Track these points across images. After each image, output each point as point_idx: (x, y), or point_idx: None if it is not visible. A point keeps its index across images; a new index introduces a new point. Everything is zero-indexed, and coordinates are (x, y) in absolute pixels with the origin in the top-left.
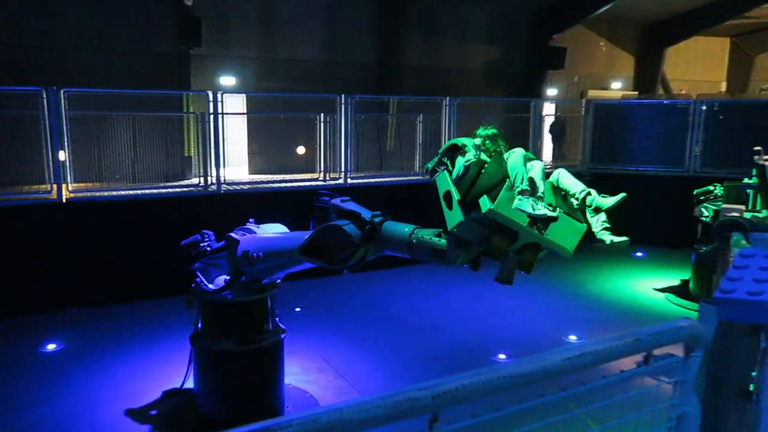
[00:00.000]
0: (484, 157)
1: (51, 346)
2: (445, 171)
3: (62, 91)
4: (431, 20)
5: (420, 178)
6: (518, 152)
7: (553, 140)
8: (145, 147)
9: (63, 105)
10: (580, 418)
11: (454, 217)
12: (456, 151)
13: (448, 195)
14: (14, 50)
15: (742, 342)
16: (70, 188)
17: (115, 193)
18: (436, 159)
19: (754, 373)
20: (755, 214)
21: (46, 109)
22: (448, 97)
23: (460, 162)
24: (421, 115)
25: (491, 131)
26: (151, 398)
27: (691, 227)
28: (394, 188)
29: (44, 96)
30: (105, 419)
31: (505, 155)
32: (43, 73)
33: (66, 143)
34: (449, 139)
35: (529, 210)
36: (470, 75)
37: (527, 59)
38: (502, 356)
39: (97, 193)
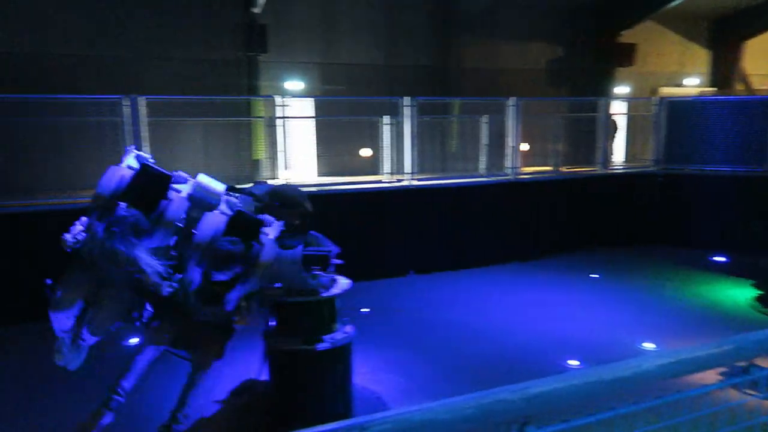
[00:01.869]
0: None
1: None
2: None
3: (142, 99)
4: (491, 20)
5: (485, 179)
6: None
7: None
8: (216, 151)
9: (142, 112)
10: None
11: None
12: None
13: None
14: (95, 61)
15: None
16: None
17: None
18: None
19: None
20: None
21: (126, 116)
22: (513, 98)
23: None
24: (487, 116)
25: None
26: (227, 389)
27: None
28: (460, 189)
29: (125, 104)
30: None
31: None
32: (121, 82)
33: (144, 148)
34: (514, 139)
35: None
36: (533, 75)
37: (593, 57)
38: (573, 362)
39: None
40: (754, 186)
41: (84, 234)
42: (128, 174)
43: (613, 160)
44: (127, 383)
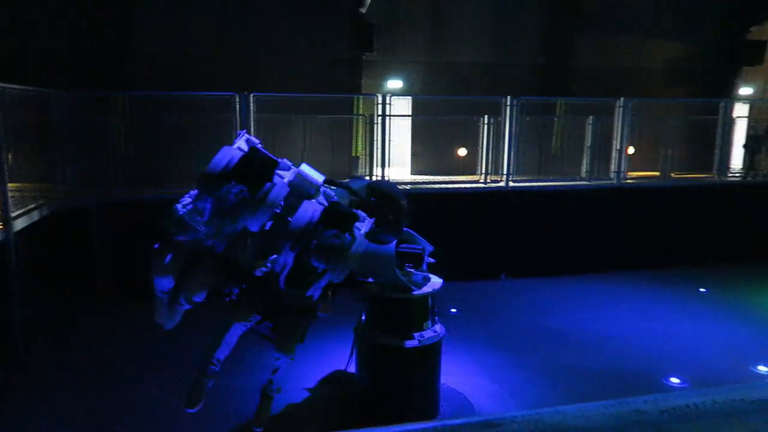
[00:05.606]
0: None
1: None
2: None
3: (251, 96)
4: (605, 17)
5: (587, 183)
6: None
7: (749, 153)
8: (316, 147)
9: (251, 108)
10: None
11: None
12: None
13: None
14: (213, 62)
15: None
16: None
17: None
18: None
19: None
20: None
21: (237, 112)
22: (622, 99)
23: None
24: (591, 117)
25: None
26: (321, 377)
27: None
28: (559, 193)
29: (237, 101)
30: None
31: None
32: (236, 80)
33: None
34: (622, 142)
35: None
36: (649, 75)
37: (717, 55)
38: (675, 380)
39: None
40: None
41: (191, 205)
42: (238, 155)
43: (732, 167)
44: (221, 354)
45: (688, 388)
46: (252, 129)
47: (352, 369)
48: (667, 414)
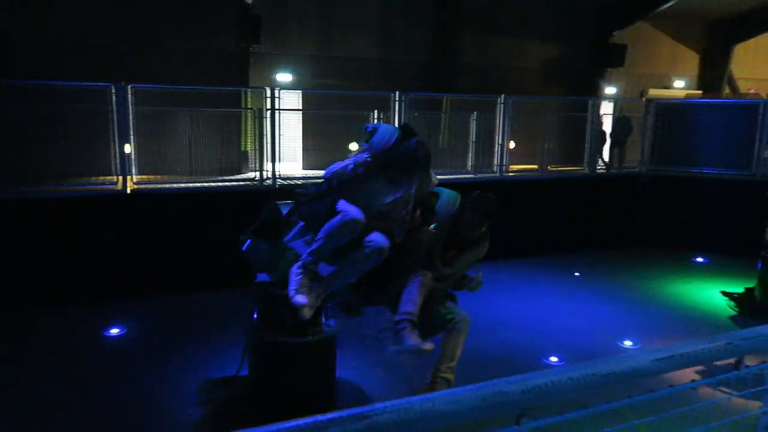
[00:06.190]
0: None
1: (114, 331)
2: None
3: (129, 87)
4: (489, 17)
5: (472, 176)
6: None
7: (615, 143)
8: (204, 142)
9: (129, 100)
10: (665, 423)
11: None
12: None
13: None
14: (91, 50)
15: None
16: (134, 180)
17: (175, 185)
18: None
19: None
20: None
21: (114, 104)
22: (502, 95)
23: None
24: (475, 113)
25: None
26: (207, 385)
27: (757, 233)
28: (446, 186)
29: (113, 92)
30: (163, 403)
31: None
32: (111, 71)
33: (131, 137)
34: (503, 137)
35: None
36: (528, 73)
37: (587, 57)
38: (553, 359)
39: (159, 186)
40: (739, 189)
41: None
42: (395, 137)
43: (601, 160)
44: (409, 307)
45: (564, 365)
46: (130, 122)
47: (244, 373)
48: (528, 393)
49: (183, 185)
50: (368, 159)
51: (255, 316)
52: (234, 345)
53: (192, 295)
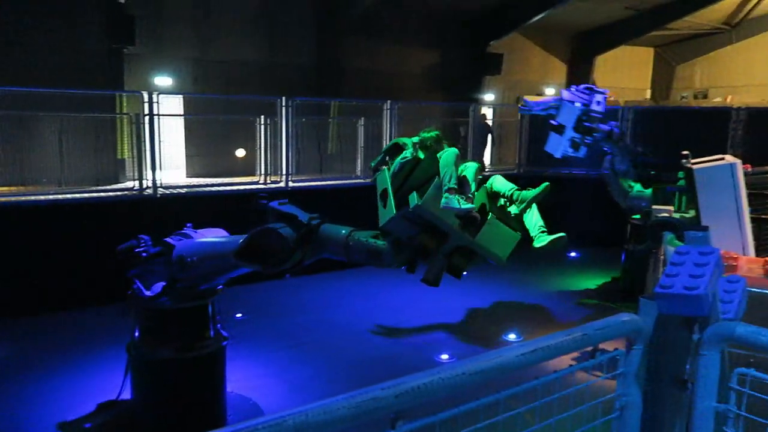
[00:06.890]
0: (420, 154)
1: None
2: (385, 169)
3: None
4: (371, 23)
5: (361, 181)
6: (450, 151)
7: (477, 145)
8: (76, 149)
9: None
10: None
11: (386, 214)
12: (399, 150)
13: (384, 193)
14: None
15: (677, 335)
16: None
17: (42, 197)
18: (379, 158)
19: (687, 366)
20: (683, 214)
21: None
22: (389, 101)
23: (398, 159)
24: (363, 118)
25: (434, 133)
26: (86, 411)
27: (620, 227)
28: (336, 191)
29: None
30: None
31: (439, 154)
32: None
33: None
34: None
35: (455, 205)
36: (411, 79)
37: (466, 65)
38: (444, 356)
39: (23, 198)
40: (602, 187)
41: None
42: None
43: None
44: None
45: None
46: None
47: (126, 395)
48: (402, 397)
49: (51, 197)
50: None
51: (136, 333)
52: (117, 365)
53: (70, 313)
